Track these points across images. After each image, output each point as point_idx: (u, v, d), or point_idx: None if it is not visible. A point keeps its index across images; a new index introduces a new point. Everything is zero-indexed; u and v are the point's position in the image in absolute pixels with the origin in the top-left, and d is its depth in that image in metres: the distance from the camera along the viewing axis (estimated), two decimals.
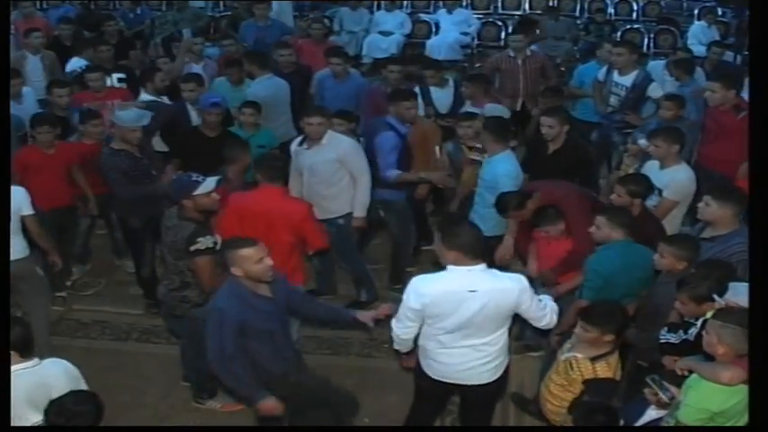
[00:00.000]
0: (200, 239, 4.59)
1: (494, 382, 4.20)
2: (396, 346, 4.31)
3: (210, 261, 4.63)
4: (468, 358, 4.07)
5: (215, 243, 4.64)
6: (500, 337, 4.10)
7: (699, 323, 4.00)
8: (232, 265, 4.09)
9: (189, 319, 4.87)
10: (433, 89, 7.57)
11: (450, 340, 4.03)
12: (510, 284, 3.96)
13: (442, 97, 7.60)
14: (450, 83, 7.73)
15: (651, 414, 3.97)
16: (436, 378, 4.20)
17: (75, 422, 3.40)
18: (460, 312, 3.92)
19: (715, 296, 3.96)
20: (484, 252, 4.00)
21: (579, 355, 4.17)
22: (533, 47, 9.27)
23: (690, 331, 4.05)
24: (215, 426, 5.12)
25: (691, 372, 3.69)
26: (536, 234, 5.33)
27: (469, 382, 4.17)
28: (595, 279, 4.63)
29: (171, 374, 5.60)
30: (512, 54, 8.61)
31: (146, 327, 6.20)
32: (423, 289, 3.96)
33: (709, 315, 3.90)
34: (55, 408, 3.44)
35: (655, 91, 7.53)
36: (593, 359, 4.14)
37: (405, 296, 4.04)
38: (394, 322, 4.17)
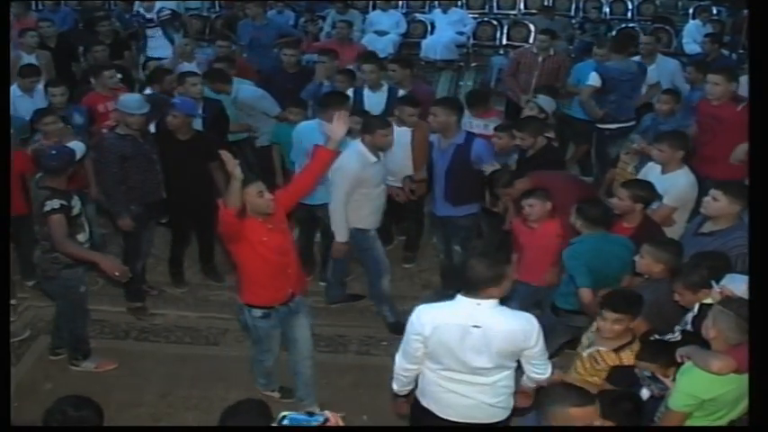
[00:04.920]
0: (47, 202, 5.05)
1: (501, 421, 3.91)
2: (395, 385, 3.99)
3: (60, 219, 5.06)
4: (472, 398, 3.78)
5: (61, 205, 5.06)
6: (506, 378, 3.80)
7: (695, 308, 4.01)
8: None
9: (60, 279, 5.31)
10: (366, 92, 7.23)
11: (452, 379, 3.75)
12: (518, 326, 3.63)
13: (376, 101, 7.14)
14: (385, 87, 7.26)
15: (644, 393, 3.98)
16: (441, 416, 3.88)
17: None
18: (461, 348, 3.63)
19: (713, 282, 3.96)
20: (492, 286, 3.61)
21: (602, 348, 4.13)
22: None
23: (687, 317, 4.06)
24: (214, 426, 5.10)
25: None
26: (517, 224, 5.41)
27: (475, 421, 3.86)
28: (578, 267, 4.67)
29: (169, 373, 5.61)
30: (534, 51, 8.78)
31: (144, 325, 6.20)
32: (424, 318, 3.68)
33: (705, 301, 3.94)
34: (59, 416, 3.34)
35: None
36: (617, 350, 4.10)
37: (408, 326, 3.75)
38: (398, 356, 3.88)
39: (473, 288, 3.62)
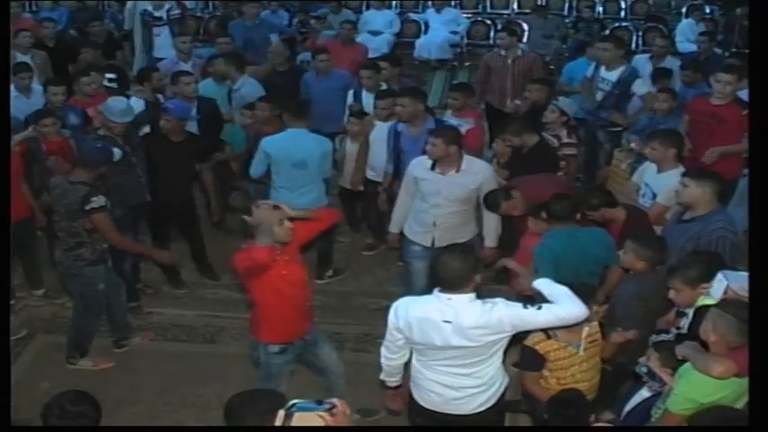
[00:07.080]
0: (92, 199, 5.18)
1: (489, 409, 3.92)
2: (382, 376, 4.12)
3: (106, 216, 5.26)
4: (457, 386, 3.83)
5: (106, 202, 5.25)
6: (488, 368, 3.83)
7: (690, 313, 4.03)
8: None
9: (82, 276, 5.42)
10: (365, 93, 7.35)
11: (435, 367, 3.83)
12: (485, 321, 3.62)
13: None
14: (384, 87, 7.32)
15: (644, 393, 4.01)
16: (429, 408, 3.94)
17: (80, 422, 3.32)
18: (435, 341, 3.70)
19: (720, 274, 3.96)
20: (465, 282, 3.65)
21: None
22: (523, 46, 9.31)
23: (682, 323, 4.08)
24: (212, 426, 5.12)
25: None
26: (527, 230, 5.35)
27: (462, 412, 3.90)
28: (543, 265, 4.67)
29: (166, 371, 5.64)
30: (502, 53, 8.57)
31: (141, 324, 6.19)
32: (400, 311, 3.80)
33: (700, 302, 3.96)
34: (56, 410, 3.33)
35: (640, 87, 7.47)
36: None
37: (389, 317, 3.88)
38: (382, 348, 4.00)
39: (445, 284, 3.67)
